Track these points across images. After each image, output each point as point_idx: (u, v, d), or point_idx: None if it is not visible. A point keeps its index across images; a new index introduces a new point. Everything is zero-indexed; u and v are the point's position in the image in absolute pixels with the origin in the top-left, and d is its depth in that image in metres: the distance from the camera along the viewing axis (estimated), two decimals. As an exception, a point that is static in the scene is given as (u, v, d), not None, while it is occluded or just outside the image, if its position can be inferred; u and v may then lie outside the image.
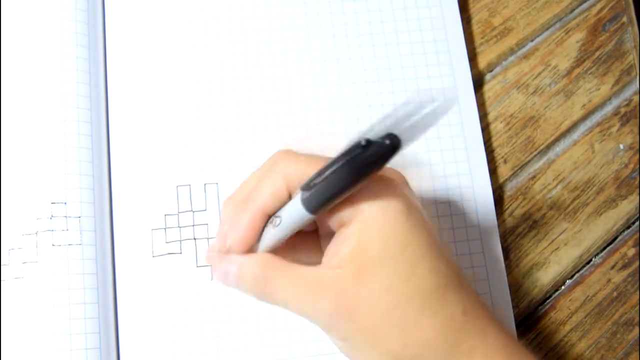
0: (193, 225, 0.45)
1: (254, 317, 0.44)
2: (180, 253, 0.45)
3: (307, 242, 0.38)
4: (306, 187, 0.32)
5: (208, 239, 0.45)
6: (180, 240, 0.45)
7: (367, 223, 0.33)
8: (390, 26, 0.51)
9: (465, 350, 0.33)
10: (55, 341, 0.41)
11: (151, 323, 0.44)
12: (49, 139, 0.44)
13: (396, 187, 0.34)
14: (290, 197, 0.35)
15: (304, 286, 0.34)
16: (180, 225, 0.45)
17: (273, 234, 0.35)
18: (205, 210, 0.46)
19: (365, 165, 0.30)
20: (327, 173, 0.31)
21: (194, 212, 0.46)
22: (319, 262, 0.37)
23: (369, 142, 0.30)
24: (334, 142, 0.33)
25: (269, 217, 0.36)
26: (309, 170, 0.33)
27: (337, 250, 0.34)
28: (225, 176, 0.46)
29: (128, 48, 0.48)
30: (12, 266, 0.42)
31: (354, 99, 0.49)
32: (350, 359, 0.35)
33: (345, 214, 0.33)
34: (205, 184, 0.46)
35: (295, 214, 0.34)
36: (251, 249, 0.36)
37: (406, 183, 0.37)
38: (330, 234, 0.35)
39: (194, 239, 0.45)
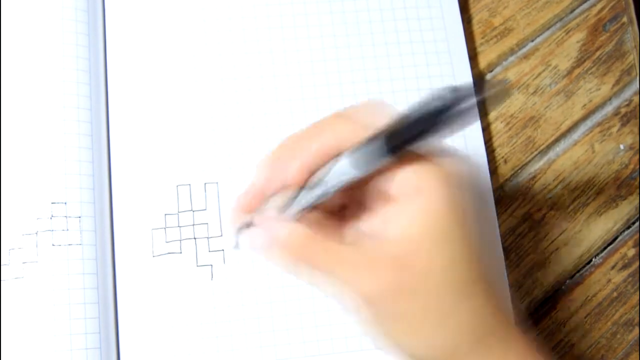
0: (193, 225, 0.45)
1: (254, 317, 0.44)
2: (180, 252, 0.45)
3: (327, 225, 0.36)
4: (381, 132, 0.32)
5: (208, 238, 0.45)
6: (180, 240, 0.45)
7: (425, 204, 0.32)
8: (390, 25, 0.51)
9: (495, 342, 0.33)
10: (55, 341, 0.41)
11: (151, 323, 0.44)
12: (49, 139, 0.44)
13: (454, 172, 0.33)
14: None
15: (360, 257, 0.33)
16: (180, 225, 0.45)
17: (332, 179, 0.34)
18: (205, 209, 0.46)
19: (448, 107, 0.29)
20: (410, 114, 0.31)
21: (194, 211, 0.46)
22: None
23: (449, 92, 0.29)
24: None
25: (312, 174, 0.34)
26: (364, 134, 0.32)
27: (385, 228, 0.33)
28: (225, 176, 0.46)
29: (128, 48, 0.48)
30: (12, 266, 0.42)
31: (354, 98, 0.49)
32: (386, 339, 0.35)
33: (396, 187, 0.32)
34: (205, 184, 0.46)
35: (343, 170, 0.32)
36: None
37: (463, 170, 0.36)
38: (358, 216, 0.35)
39: (194, 238, 0.45)
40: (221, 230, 0.46)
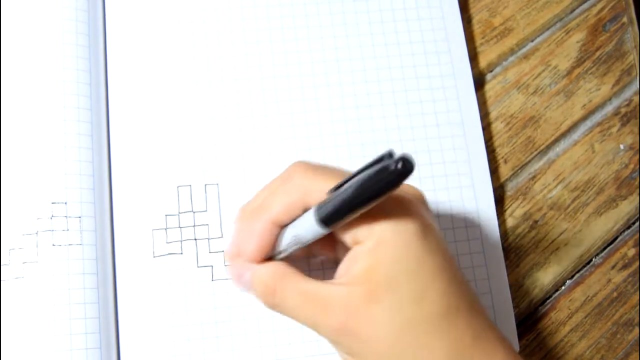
0: (194, 226, 0.45)
1: (254, 317, 0.44)
2: (181, 253, 0.45)
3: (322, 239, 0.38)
4: (321, 203, 0.33)
5: (209, 239, 0.45)
6: (181, 241, 0.45)
7: (380, 244, 0.33)
8: (390, 26, 0.51)
9: None
10: (55, 341, 0.41)
11: (152, 323, 0.44)
12: (49, 139, 0.44)
13: (413, 207, 0.34)
14: (303, 211, 0.35)
15: (313, 300, 0.34)
16: (181, 226, 0.45)
17: (288, 245, 0.36)
18: (205, 210, 0.46)
19: (381, 184, 0.30)
20: (342, 189, 0.31)
21: (194, 212, 0.46)
22: (331, 256, 0.37)
23: (384, 162, 0.30)
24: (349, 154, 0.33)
25: (282, 228, 0.36)
26: (326, 186, 0.33)
27: (348, 267, 0.34)
28: (226, 177, 0.46)
29: (129, 48, 0.48)
30: (12, 266, 0.42)
31: (354, 99, 0.49)
32: None
33: (360, 231, 0.33)
34: (205, 185, 0.46)
35: (309, 228, 0.34)
36: (266, 256, 0.37)
37: (424, 201, 0.37)
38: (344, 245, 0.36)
39: (195, 239, 0.45)
40: (222, 232, 0.46)
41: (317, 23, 0.50)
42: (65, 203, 0.43)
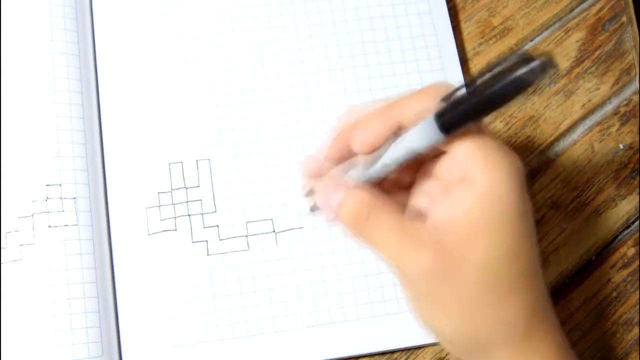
0: (187, 202, 0.46)
1: (251, 291, 0.45)
2: (175, 230, 0.45)
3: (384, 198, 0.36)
4: (447, 98, 0.31)
5: (202, 214, 0.45)
6: (175, 217, 0.45)
7: (490, 191, 0.32)
8: (379, 22, 0.51)
9: (536, 339, 0.33)
10: (55, 321, 0.42)
11: (149, 300, 0.44)
12: (41, 122, 0.45)
13: (517, 161, 0.33)
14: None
15: (406, 236, 0.33)
16: (174, 203, 0.45)
17: (391, 153, 0.34)
18: (198, 186, 0.46)
19: (517, 81, 0.28)
20: (467, 89, 0.30)
21: (187, 188, 0.46)
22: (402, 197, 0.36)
23: (520, 59, 0.28)
24: None
25: (398, 133, 0.34)
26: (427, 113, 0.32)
27: (448, 209, 0.33)
28: (217, 152, 0.47)
29: (117, 28, 0.48)
30: (9, 249, 0.43)
31: (345, 96, 0.49)
32: (420, 319, 0.35)
33: (473, 166, 0.32)
34: (197, 161, 0.46)
35: (424, 136, 0.32)
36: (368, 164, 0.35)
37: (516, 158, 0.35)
38: (415, 195, 0.35)
39: (188, 215, 0.45)
40: (215, 206, 0.46)
41: (304, 22, 0.51)
42: (60, 185, 0.44)
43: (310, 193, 0.38)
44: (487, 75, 0.30)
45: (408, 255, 0.33)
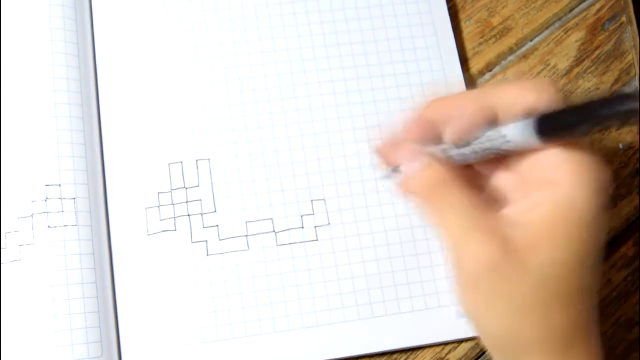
0: (186, 202, 0.46)
1: (251, 291, 0.45)
2: (175, 230, 0.45)
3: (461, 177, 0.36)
4: (545, 112, 0.31)
5: (202, 214, 0.45)
6: (174, 217, 0.45)
7: (569, 201, 0.32)
8: (379, 22, 0.51)
9: (573, 356, 0.33)
10: (54, 321, 0.42)
11: (149, 300, 0.44)
12: (40, 122, 0.45)
13: (606, 176, 0.32)
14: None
15: (476, 221, 0.33)
16: (173, 203, 0.45)
17: (484, 143, 0.34)
18: (197, 186, 0.46)
19: (616, 107, 0.29)
20: (578, 103, 0.30)
21: (186, 188, 0.46)
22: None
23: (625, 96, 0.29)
24: None
25: (495, 122, 0.34)
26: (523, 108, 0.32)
27: (526, 209, 0.33)
28: (217, 152, 0.47)
29: (117, 28, 0.48)
30: (9, 249, 0.43)
31: (346, 95, 0.49)
32: (465, 306, 0.34)
33: (562, 173, 0.32)
34: (197, 160, 0.46)
35: (520, 133, 0.32)
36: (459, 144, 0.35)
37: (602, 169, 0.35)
38: (493, 186, 0.35)
39: (188, 215, 0.45)
40: (214, 206, 0.46)
41: (305, 21, 0.50)
42: (59, 185, 0.44)
43: (391, 173, 0.38)
44: (596, 98, 0.30)
45: (473, 242, 0.32)
